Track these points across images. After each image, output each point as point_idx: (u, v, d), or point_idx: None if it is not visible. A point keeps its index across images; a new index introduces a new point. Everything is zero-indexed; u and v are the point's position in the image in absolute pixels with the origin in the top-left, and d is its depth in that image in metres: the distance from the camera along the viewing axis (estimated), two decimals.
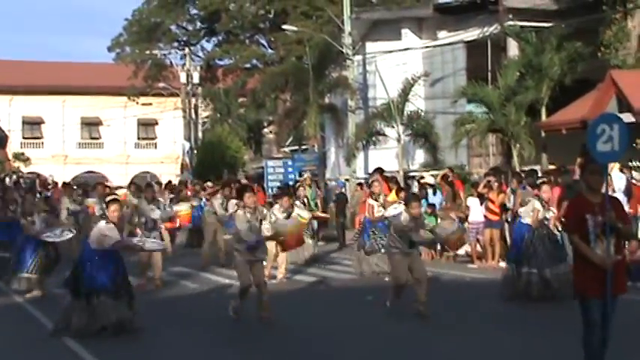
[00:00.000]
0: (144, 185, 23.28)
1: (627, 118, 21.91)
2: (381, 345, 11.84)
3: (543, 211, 15.34)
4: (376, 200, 19.21)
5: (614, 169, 20.55)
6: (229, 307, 13.45)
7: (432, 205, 23.50)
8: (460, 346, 11.62)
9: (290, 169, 40.16)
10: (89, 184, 28.49)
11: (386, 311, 13.75)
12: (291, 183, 36.03)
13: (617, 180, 18.29)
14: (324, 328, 13.04)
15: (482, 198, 21.48)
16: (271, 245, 18.61)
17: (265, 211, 14.29)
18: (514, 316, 13.78)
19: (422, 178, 26.34)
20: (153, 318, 13.85)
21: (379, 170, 26.82)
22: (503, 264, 20.47)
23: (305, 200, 21.58)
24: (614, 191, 17.99)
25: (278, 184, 32.51)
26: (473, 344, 11.73)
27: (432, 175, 28.44)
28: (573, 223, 8.77)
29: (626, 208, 17.52)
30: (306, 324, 13.50)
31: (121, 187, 30.74)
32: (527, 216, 15.43)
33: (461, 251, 22.15)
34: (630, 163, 21.22)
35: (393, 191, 25.18)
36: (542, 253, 14.98)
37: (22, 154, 60.00)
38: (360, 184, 28.99)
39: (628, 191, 17.97)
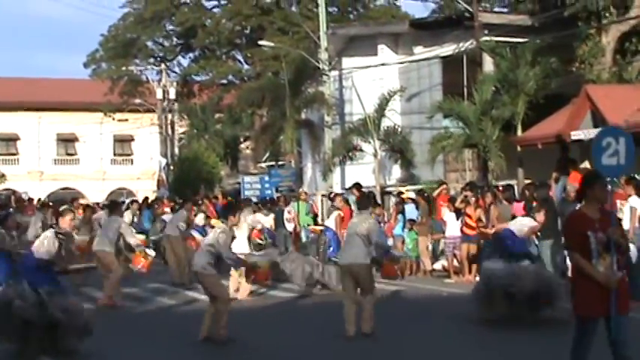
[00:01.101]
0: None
1: None
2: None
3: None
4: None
5: None
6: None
7: (411, 221, 23.61)
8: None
9: (267, 185, 40.15)
10: (65, 201, 28.33)
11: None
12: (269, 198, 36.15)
13: None
14: (306, 345, 12.99)
15: (458, 213, 21.54)
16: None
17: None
18: (492, 331, 13.80)
19: (401, 193, 26.42)
20: (128, 335, 13.80)
21: (357, 185, 26.92)
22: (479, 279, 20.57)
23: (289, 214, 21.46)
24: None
25: (255, 199, 32.45)
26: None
27: (413, 191, 28.55)
28: (574, 240, 8.45)
29: None
30: (288, 340, 13.41)
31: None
32: (516, 230, 15.12)
33: (437, 266, 22.26)
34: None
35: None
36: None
37: None
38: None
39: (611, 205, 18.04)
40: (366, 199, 14.79)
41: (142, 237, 23.99)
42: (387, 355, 12.13)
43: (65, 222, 12.98)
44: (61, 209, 13.39)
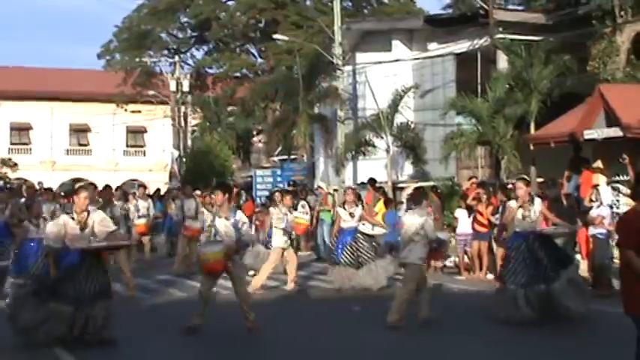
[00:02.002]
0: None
1: (615, 132, 22.02)
2: (369, 356, 11.88)
3: (522, 210, 14.39)
4: (344, 209, 19.14)
5: (602, 183, 20.74)
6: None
7: None
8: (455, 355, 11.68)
9: (279, 179, 40.21)
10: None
11: (374, 322, 13.77)
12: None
13: (605, 194, 18.42)
14: (312, 340, 12.99)
15: (470, 210, 21.59)
16: (277, 254, 18.99)
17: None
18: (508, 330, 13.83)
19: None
20: (140, 327, 13.86)
21: (371, 181, 27.03)
22: (490, 276, 20.62)
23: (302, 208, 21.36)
24: (600, 204, 18.13)
25: (267, 193, 32.54)
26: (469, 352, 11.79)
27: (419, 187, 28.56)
28: (628, 237, 8.29)
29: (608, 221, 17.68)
30: (293, 335, 13.43)
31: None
32: (520, 225, 14.66)
33: (448, 262, 22.30)
34: (617, 177, 21.35)
35: (381, 201, 25.46)
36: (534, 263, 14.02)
37: (10, 159, 59.78)
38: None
39: (615, 205, 18.09)
40: (421, 195, 14.94)
41: (142, 221, 24.23)
42: (397, 350, 12.18)
43: (80, 200, 12.52)
44: (76, 187, 13.09)
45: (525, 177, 15.81)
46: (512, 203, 14.58)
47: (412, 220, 14.02)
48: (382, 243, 22.99)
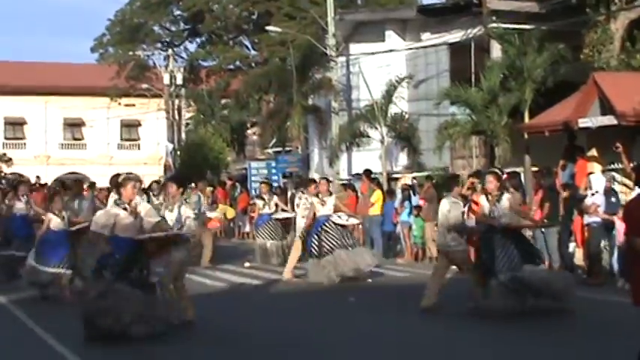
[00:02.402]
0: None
1: (610, 120, 21.98)
2: (366, 347, 11.85)
3: (490, 206, 14.24)
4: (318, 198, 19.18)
5: (596, 171, 20.72)
6: None
7: (417, 207, 23.71)
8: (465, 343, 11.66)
9: (273, 171, 40.17)
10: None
11: (369, 313, 13.73)
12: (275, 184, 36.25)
13: (596, 182, 18.39)
14: (309, 332, 12.98)
15: (465, 200, 21.52)
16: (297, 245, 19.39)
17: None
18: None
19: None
20: None
21: (367, 172, 27.05)
22: None
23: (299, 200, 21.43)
24: (592, 194, 18.11)
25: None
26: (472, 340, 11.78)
27: (414, 178, 28.64)
28: (634, 225, 8.05)
29: (603, 210, 17.66)
30: (291, 327, 13.41)
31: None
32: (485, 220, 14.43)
33: None
34: (612, 165, 21.31)
35: (377, 192, 25.47)
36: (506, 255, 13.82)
37: (4, 154, 59.63)
38: (344, 185, 29.09)
39: (607, 193, 18.05)
40: (452, 182, 15.07)
41: None
42: (395, 341, 12.16)
43: (127, 191, 12.66)
44: (120, 179, 13.11)
45: (497, 170, 15.50)
46: (482, 199, 14.43)
47: (448, 207, 14.57)
48: (376, 233, 23.13)
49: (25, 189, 20.24)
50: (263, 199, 24.03)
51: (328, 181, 20.19)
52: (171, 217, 13.49)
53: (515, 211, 14.67)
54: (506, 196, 14.35)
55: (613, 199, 17.89)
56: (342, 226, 18.81)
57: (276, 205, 23.67)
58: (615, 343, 11.20)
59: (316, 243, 18.56)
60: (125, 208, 12.52)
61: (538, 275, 13.69)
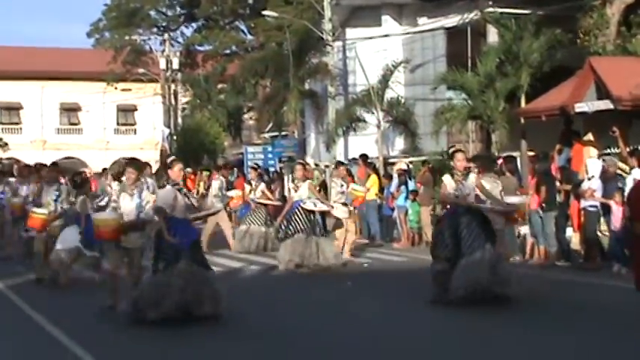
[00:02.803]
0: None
1: (606, 105, 22.00)
2: (366, 332, 11.87)
3: (457, 186, 13.85)
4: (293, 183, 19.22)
5: (593, 156, 20.76)
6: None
7: (414, 192, 23.76)
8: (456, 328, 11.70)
9: (270, 155, 40.18)
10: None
11: (369, 297, 13.76)
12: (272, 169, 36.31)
13: (592, 166, 18.42)
14: (309, 317, 12.99)
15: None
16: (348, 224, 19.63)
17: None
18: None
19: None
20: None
21: (363, 156, 27.10)
22: None
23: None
24: (589, 178, 18.14)
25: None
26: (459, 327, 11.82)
27: (410, 162, 28.66)
28: (637, 210, 7.99)
29: (599, 194, 17.70)
30: (289, 311, 13.42)
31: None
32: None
33: None
34: (608, 150, 21.35)
35: (373, 177, 25.50)
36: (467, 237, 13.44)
37: (0, 139, 59.63)
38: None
39: (604, 178, 18.06)
40: (490, 161, 14.97)
41: None
42: (391, 326, 12.20)
43: (175, 173, 12.81)
44: (169, 161, 13.36)
45: (462, 149, 15.13)
46: (446, 178, 14.04)
47: (488, 186, 14.35)
48: (373, 217, 23.18)
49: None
50: (250, 184, 24.07)
51: (304, 166, 20.06)
52: (130, 203, 13.23)
53: (485, 193, 14.35)
54: (472, 176, 14.08)
55: (619, 184, 17.78)
56: (312, 212, 18.75)
57: (262, 192, 23.52)
58: (614, 328, 11.27)
59: (284, 227, 18.58)
60: (180, 189, 12.66)
61: (487, 260, 13.21)
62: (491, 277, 13.03)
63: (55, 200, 16.60)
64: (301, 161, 21.58)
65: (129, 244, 13.21)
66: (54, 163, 20.48)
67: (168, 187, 12.74)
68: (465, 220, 13.48)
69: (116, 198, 13.37)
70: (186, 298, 12.09)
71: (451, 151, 14.69)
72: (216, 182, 24.02)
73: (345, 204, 19.69)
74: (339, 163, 22.72)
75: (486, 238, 13.41)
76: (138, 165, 13.77)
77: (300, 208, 18.51)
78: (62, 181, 19.44)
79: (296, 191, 18.70)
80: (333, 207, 19.36)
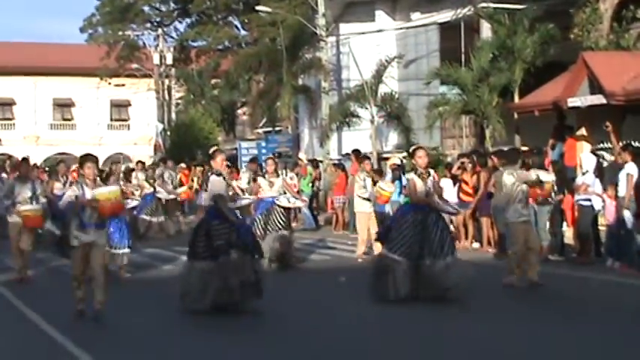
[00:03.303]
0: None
1: (599, 100, 22.06)
2: (358, 328, 11.89)
3: (424, 184, 13.56)
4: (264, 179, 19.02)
5: (586, 151, 20.81)
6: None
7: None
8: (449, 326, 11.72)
9: (264, 151, 40.16)
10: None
11: (362, 293, 13.73)
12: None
13: (587, 161, 18.46)
14: (303, 313, 12.97)
15: (455, 179, 21.63)
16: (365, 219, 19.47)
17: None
18: (493, 300, 13.87)
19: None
20: (132, 302, 13.85)
21: (356, 152, 27.09)
22: (476, 245, 20.73)
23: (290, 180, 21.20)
24: (583, 173, 18.19)
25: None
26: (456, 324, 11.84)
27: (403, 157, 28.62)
28: None
29: (598, 189, 17.74)
30: (283, 307, 13.35)
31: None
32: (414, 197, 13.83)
33: None
34: (601, 145, 21.41)
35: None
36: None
37: None
38: (334, 165, 29.13)
39: (598, 172, 18.12)
40: (515, 154, 14.99)
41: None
42: (381, 319, 12.23)
43: (217, 163, 13.18)
44: (211, 151, 13.69)
45: (423, 146, 14.89)
46: (413, 176, 13.70)
47: (511, 180, 14.26)
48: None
49: (64, 169, 20.41)
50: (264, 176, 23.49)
51: (275, 161, 19.96)
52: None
53: (437, 193, 14.05)
54: (433, 173, 13.92)
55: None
56: (287, 208, 18.74)
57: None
58: (611, 322, 11.32)
59: (262, 225, 18.39)
60: (224, 178, 12.99)
61: (438, 267, 13.08)
62: (444, 282, 13.03)
63: (31, 197, 16.40)
64: (271, 156, 21.58)
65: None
66: (24, 159, 20.15)
67: (213, 176, 12.97)
68: (429, 220, 13.31)
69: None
70: (232, 287, 12.26)
71: (412, 148, 14.47)
72: (246, 175, 23.65)
73: (367, 199, 19.55)
74: (364, 157, 22.27)
75: (447, 242, 13.35)
76: (97, 161, 13.05)
77: (275, 206, 18.38)
78: (41, 177, 19.34)
79: (271, 187, 18.50)
80: (306, 201, 19.46)
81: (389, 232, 13.72)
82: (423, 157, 13.73)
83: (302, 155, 32.37)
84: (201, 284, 12.42)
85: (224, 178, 13.03)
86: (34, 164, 29.26)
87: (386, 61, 33.31)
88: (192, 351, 10.53)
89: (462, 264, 13.48)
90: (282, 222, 18.23)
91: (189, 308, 12.48)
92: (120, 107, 70.70)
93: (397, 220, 13.84)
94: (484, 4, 29.97)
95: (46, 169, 34.36)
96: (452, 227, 21.64)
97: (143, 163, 28.19)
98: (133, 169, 25.44)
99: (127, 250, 16.77)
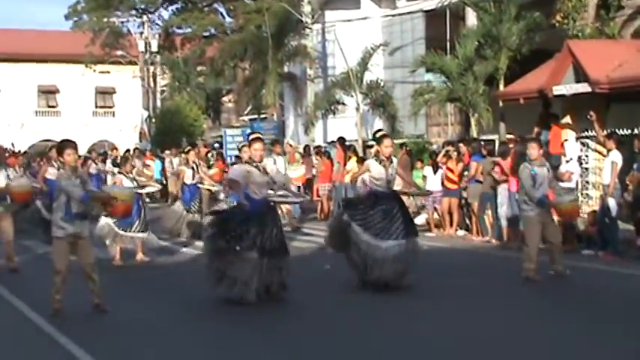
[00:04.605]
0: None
1: (584, 88, 22.06)
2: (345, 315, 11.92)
3: (385, 171, 13.48)
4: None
5: (570, 139, 20.87)
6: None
7: None
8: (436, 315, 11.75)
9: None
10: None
11: (344, 281, 13.75)
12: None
13: (570, 149, 18.49)
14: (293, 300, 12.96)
15: (436, 167, 21.68)
16: None
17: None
18: (474, 286, 13.91)
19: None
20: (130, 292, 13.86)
21: (340, 139, 27.05)
22: (461, 232, 20.79)
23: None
24: (567, 161, 18.24)
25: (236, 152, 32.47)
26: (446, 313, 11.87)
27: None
28: None
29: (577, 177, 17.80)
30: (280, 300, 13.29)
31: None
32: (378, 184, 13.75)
33: (419, 220, 22.27)
34: (586, 133, 21.44)
35: (354, 159, 25.49)
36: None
37: None
38: (318, 153, 29.06)
39: (581, 160, 18.16)
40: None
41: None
42: (368, 307, 12.24)
43: (254, 150, 12.87)
44: (250, 138, 13.46)
45: (387, 134, 14.98)
46: (372, 162, 13.67)
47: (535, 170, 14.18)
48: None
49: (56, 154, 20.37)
50: (193, 168, 21.94)
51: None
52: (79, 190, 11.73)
53: (401, 176, 14.36)
54: (395, 160, 13.93)
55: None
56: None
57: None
58: (601, 309, 11.38)
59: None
60: (257, 167, 12.68)
61: (393, 252, 13.11)
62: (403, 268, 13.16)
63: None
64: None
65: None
66: None
67: (236, 166, 13.37)
68: (386, 206, 13.32)
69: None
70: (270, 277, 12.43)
71: (378, 135, 14.27)
72: (280, 159, 23.25)
73: None
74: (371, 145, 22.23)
75: (407, 227, 13.38)
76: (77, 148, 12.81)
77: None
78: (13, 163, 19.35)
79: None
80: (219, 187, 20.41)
81: (355, 202, 13.97)
82: (388, 146, 13.70)
83: (291, 142, 32.35)
84: (250, 273, 12.24)
85: (256, 166, 12.68)
86: (13, 150, 29.16)
87: (371, 48, 33.26)
88: (197, 351, 10.46)
89: (416, 250, 13.54)
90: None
91: (237, 296, 12.30)
92: (105, 94, 70.43)
93: (365, 197, 13.88)
94: None
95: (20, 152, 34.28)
96: (436, 215, 21.82)
97: (141, 151, 28.10)
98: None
99: (145, 235, 17.29)
